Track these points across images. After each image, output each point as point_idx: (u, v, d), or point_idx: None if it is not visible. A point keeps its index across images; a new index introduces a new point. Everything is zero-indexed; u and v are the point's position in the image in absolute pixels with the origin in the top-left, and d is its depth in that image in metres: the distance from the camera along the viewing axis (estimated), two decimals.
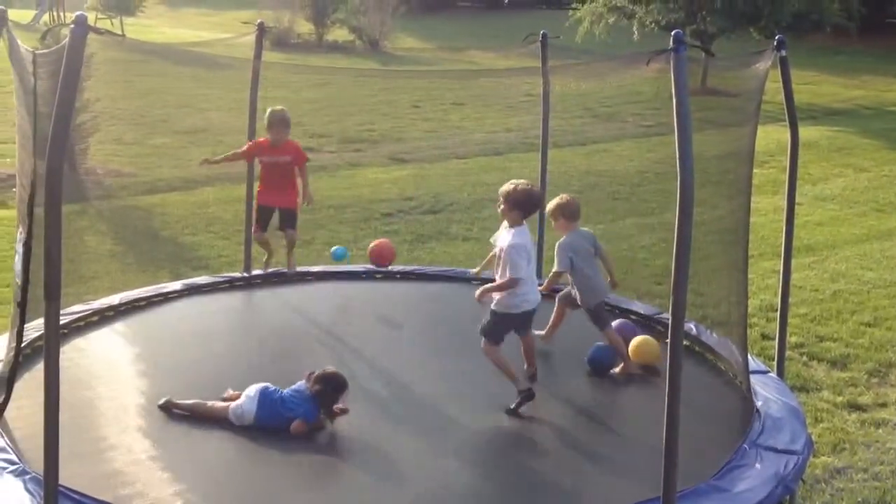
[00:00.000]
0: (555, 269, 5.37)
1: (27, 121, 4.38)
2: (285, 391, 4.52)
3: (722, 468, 4.17)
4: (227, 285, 6.86)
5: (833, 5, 20.89)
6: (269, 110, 6.43)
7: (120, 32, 20.15)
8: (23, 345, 4.58)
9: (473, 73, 16.50)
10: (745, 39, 19.73)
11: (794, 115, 5.29)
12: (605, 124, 17.38)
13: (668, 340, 3.55)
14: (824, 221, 11.07)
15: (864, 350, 7.18)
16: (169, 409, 4.65)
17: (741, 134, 5.23)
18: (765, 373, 5.32)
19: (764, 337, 7.16)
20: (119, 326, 5.96)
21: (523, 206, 4.71)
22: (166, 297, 6.47)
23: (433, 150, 14.66)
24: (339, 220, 10.51)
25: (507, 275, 4.67)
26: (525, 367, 5.09)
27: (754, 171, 5.72)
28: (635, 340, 5.57)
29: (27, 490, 3.82)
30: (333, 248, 7.03)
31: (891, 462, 5.49)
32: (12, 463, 4.02)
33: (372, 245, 6.69)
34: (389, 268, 7.31)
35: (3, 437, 4.25)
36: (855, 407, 6.22)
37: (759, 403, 4.82)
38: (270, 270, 6.79)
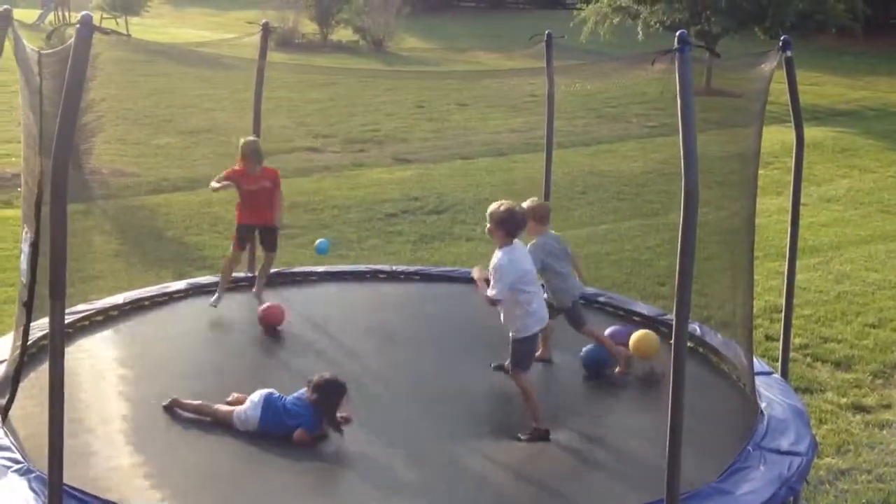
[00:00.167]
0: None
1: (33, 120, 4.39)
2: (288, 398, 4.51)
3: (726, 470, 4.17)
4: (230, 285, 6.87)
5: (838, 6, 20.84)
6: (241, 141, 6.31)
7: (125, 32, 20.19)
8: (28, 344, 4.59)
9: (478, 73, 16.50)
10: (749, 40, 19.70)
11: (799, 116, 5.28)
12: (609, 125, 17.37)
13: (672, 342, 3.54)
14: (829, 222, 11.06)
15: (868, 351, 7.16)
16: (174, 409, 4.65)
17: (746, 135, 5.22)
18: (769, 374, 5.31)
19: (768, 338, 7.15)
20: (123, 326, 5.97)
21: (506, 225, 4.70)
22: (170, 297, 6.48)
23: (437, 151, 14.66)
24: (342, 221, 10.52)
25: (491, 293, 4.65)
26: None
27: (759, 171, 5.71)
28: (636, 334, 5.59)
29: (32, 489, 3.83)
30: (317, 241, 6.91)
31: (895, 464, 5.48)
32: (17, 462, 4.03)
33: (263, 308, 6.10)
34: (394, 268, 7.32)
35: (7, 436, 4.26)
36: (859, 408, 6.21)
37: (763, 405, 4.81)
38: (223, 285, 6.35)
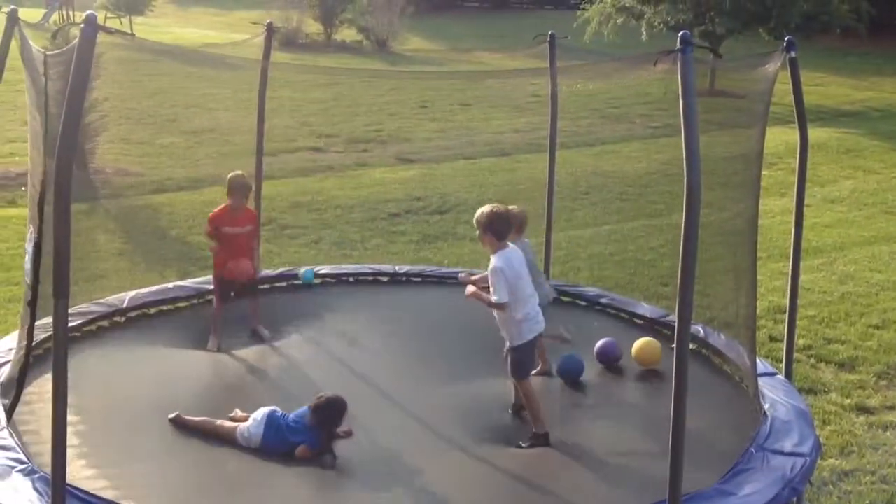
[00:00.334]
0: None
1: (38, 120, 4.40)
2: (290, 416, 4.52)
3: (729, 471, 4.16)
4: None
5: (842, 6, 20.80)
6: (229, 176, 6.11)
7: (129, 32, 20.20)
8: (32, 344, 4.60)
9: (481, 73, 16.49)
10: (753, 41, 19.67)
11: (803, 117, 5.27)
12: (613, 125, 17.35)
13: (675, 343, 3.54)
14: (833, 223, 11.04)
15: (872, 352, 7.15)
16: (178, 425, 4.64)
17: (749, 135, 5.22)
18: (772, 375, 5.31)
19: (771, 339, 7.14)
20: (129, 327, 5.98)
21: (494, 227, 4.70)
22: (174, 298, 6.48)
23: (440, 151, 14.66)
24: (345, 220, 10.53)
25: (494, 299, 4.63)
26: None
27: (762, 172, 5.71)
28: (639, 342, 5.60)
29: (35, 489, 3.84)
30: (302, 271, 6.89)
31: None
32: (21, 462, 4.04)
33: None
34: (396, 269, 7.32)
35: (12, 436, 4.26)
36: (863, 409, 6.20)
37: (766, 406, 4.81)
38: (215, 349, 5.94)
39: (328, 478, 4.33)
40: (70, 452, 3.48)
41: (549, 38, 6.79)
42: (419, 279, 7.21)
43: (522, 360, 4.73)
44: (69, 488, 3.60)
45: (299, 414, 4.52)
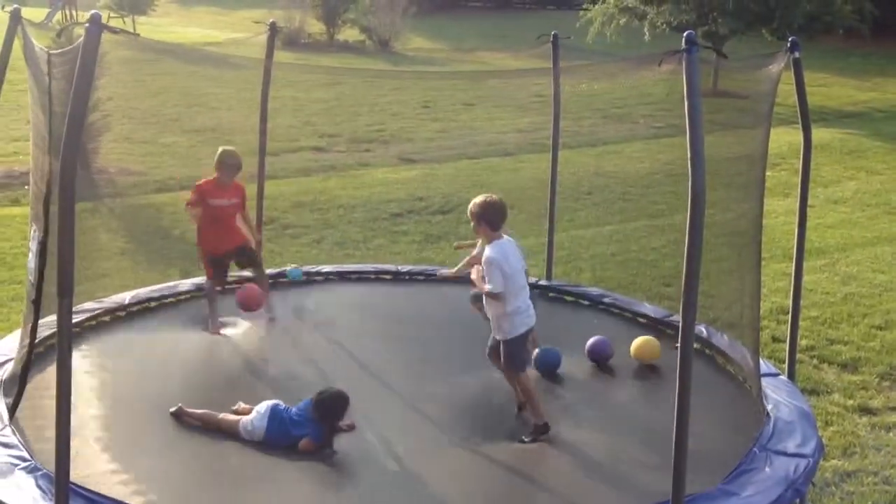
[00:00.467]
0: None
1: (42, 120, 4.40)
2: (293, 409, 4.53)
3: (732, 471, 4.16)
4: (237, 284, 6.88)
5: (846, 7, 20.77)
6: (221, 150, 5.95)
7: (133, 31, 20.20)
8: (35, 342, 4.60)
9: (484, 73, 16.49)
10: (756, 41, 19.65)
11: (807, 118, 5.26)
12: (615, 125, 17.35)
13: (679, 343, 3.54)
14: (836, 224, 11.03)
15: (875, 353, 7.14)
16: (180, 417, 4.65)
17: (753, 136, 5.21)
18: (775, 375, 5.30)
19: (774, 340, 7.14)
20: (131, 325, 5.99)
21: (486, 216, 4.70)
22: (177, 296, 6.49)
23: (443, 151, 14.66)
24: (348, 220, 10.53)
25: (488, 288, 4.64)
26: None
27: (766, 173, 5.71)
28: (637, 340, 5.63)
29: (38, 487, 3.85)
30: (289, 268, 6.81)
31: None
32: (24, 460, 4.04)
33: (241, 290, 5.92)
34: (399, 269, 7.32)
35: (15, 434, 4.27)
36: (866, 410, 6.20)
37: (769, 406, 4.80)
38: (214, 332, 5.88)
39: (331, 471, 4.34)
40: (73, 449, 3.47)
41: (552, 39, 6.79)
42: (422, 278, 7.22)
43: (515, 352, 4.73)
44: (72, 486, 3.60)
45: (302, 407, 4.52)
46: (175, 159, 13.02)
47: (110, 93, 12.48)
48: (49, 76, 4.12)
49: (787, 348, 5.57)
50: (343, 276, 7.20)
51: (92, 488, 3.84)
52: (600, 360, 5.60)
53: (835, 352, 7.14)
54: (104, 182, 11.60)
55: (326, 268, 7.40)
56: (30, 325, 4.50)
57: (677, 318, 3.75)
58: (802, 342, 6.98)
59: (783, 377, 5.34)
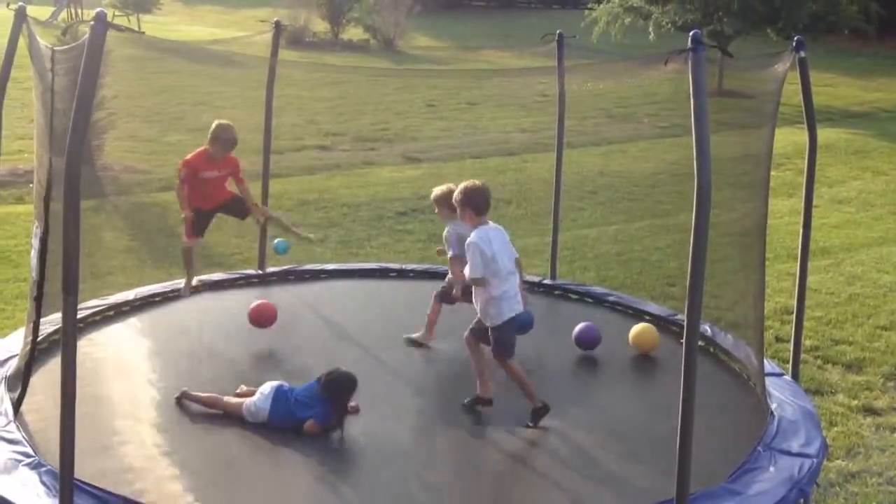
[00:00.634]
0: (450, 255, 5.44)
1: (45, 117, 4.41)
2: (297, 390, 4.52)
3: (736, 470, 4.15)
4: (241, 282, 6.90)
5: (851, 7, 20.74)
6: (216, 124, 5.79)
7: (139, 29, 20.20)
8: (38, 339, 4.61)
9: (488, 72, 16.48)
10: (761, 41, 19.63)
11: (812, 118, 5.25)
12: (620, 125, 17.34)
13: (683, 342, 3.53)
14: (841, 224, 11.01)
15: (879, 354, 7.13)
16: (184, 401, 4.67)
17: (758, 136, 5.20)
18: (779, 375, 5.29)
19: (778, 339, 7.13)
20: (135, 322, 5.99)
21: (469, 203, 4.70)
22: (181, 294, 6.49)
23: (447, 150, 14.67)
24: (352, 219, 10.54)
25: (468, 273, 4.65)
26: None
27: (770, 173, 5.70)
28: (636, 328, 5.66)
29: (42, 483, 3.85)
30: (275, 241, 6.60)
31: None
32: (28, 456, 4.05)
33: (254, 305, 5.80)
34: (403, 267, 7.32)
35: (19, 430, 4.28)
36: (870, 411, 6.19)
37: (773, 406, 4.79)
38: (193, 290, 6.03)
39: (335, 453, 4.36)
40: (77, 445, 3.48)
41: (557, 38, 6.78)
42: (427, 276, 7.21)
43: (504, 338, 4.71)
44: (76, 482, 3.61)
45: (307, 388, 4.51)
46: (179, 157, 12.97)
47: (115, 91, 12.50)
48: (52, 72, 4.12)
49: (792, 348, 5.56)
50: (347, 275, 7.20)
51: (96, 484, 3.84)
52: (588, 346, 5.57)
53: (839, 352, 7.12)
54: (108, 180, 11.62)
55: (330, 266, 7.40)
56: (32, 322, 4.51)
57: (682, 317, 3.74)
58: (807, 342, 6.97)
59: (787, 377, 5.33)
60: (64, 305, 3.37)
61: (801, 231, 5.39)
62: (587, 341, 5.61)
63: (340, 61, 21.82)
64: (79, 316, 4.14)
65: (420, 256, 8.88)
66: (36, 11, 5.01)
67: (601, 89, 17.50)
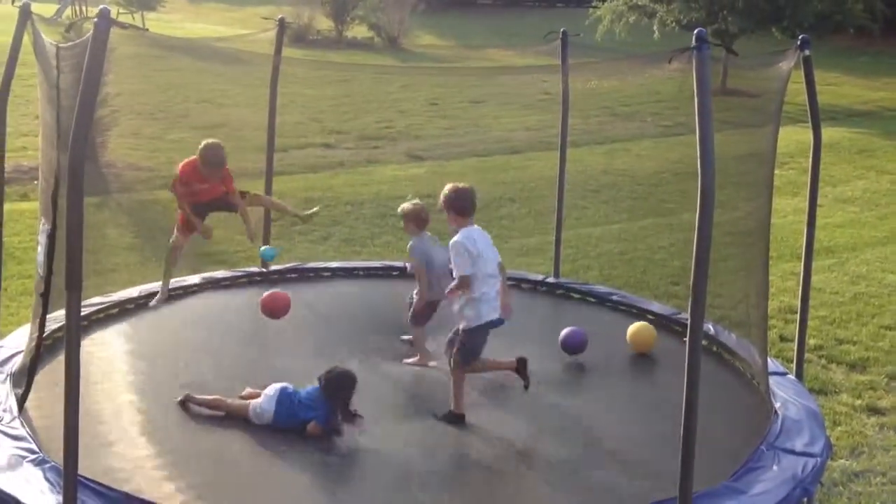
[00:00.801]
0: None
1: (51, 114, 4.41)
2: (301, 392, 4.54)
3: (739, 469, 4.15)
4: (245, 280, 6.90)
5: (856, 6, 20.68)
6: (203, 144, 5.76)
7: (143, 27, 20.27)
8: (44, 335, 4.62)
9: (492, 70, 16.47)
10: (766, 40, 19.59)
11: (817, 116, 5.24)
12: (624, 123, 17.32)
13: (687, 341, 3.53)
14: (845, 223, 10.99)
15: (884, 353, 7.12)
16: (188, 404, 4.67)
17: (762, 135, 5.20)
18: (783, 374, 5.29)
19: (782, 339, 7.12)
20: (138, 319, 6.00)
21: (453, 206, 4.74)
22: (185, 291, 6.50)
23: (451, 148, 14.66)
24: (355, 217, 10.54)
25: (457, 273, 4.65)
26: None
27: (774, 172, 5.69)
28: (633, 326, 5.66)
29: (47, 479, 3.86)
30: (262, 248, 6.52)
31: None
32: (33, 452, 4.06)
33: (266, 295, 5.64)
34: (406, 265, 7.32)
35: (24, 426, 4.29)
36: (874, 410, 6.18)
37: (777, 405, 4.79)
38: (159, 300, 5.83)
39: (337, 455, 4.36)
40: (81, 442, 3.49)
41: (561, 36, 6.77)
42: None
43: (472, 344, 4.69)
44: (80, 478, 3.61)
45: (310, 391, 4.53)
46: (183, 155, 12.95)
47: (119, 88, 12.52)
48: (58, 69, 4.13)
49: (796, 347, 5.55)
50: (350, 273, 7.20)
51: (100, 481, 3.85)
52: (574, 350, 5.54)
53: (843, 351, 7.11)
54: (112, 177, 11.63)
55: (334, 264, 7.41)
56: (38, 318, 4.52)
57: (685, 316, 3.74)
58: (811, 342, 6.96)
59: (791, 376, 5.32)
60: (67, 302, 3.37)
61: (805, 230, 5.38)
62: (573, 346, 5.56)
63: (344, 59, 21.81)
64: (83, 313, 4.14)
65: None
66: (40, 8, 5.01)
67: (605, 88, 17.47)
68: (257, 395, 4.59)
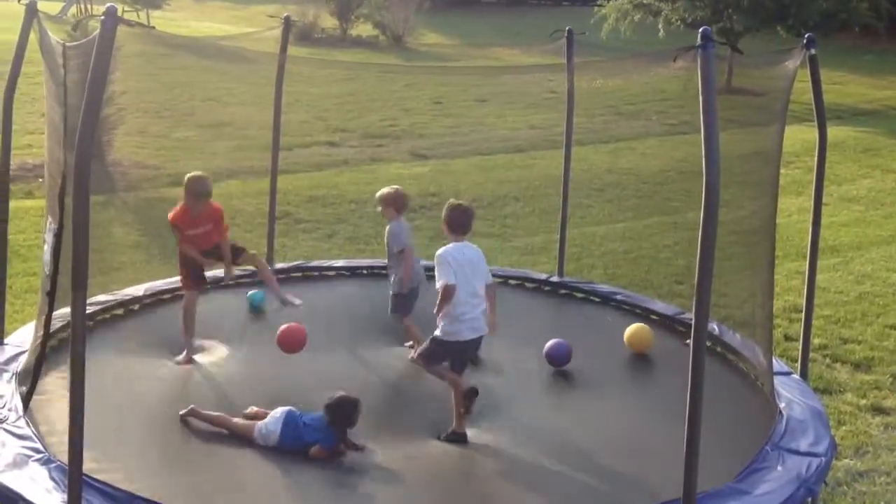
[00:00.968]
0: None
1: (57, 112, 4.42)
2: (307, 416, 4.53)
3: (744, 469, 4.15)
4: (249, 278, 6.90)
5: (862, 4, 20.63)
6: (187, 177, 5.63)
7: (149, 25, 20.18)
8: (49, 334, 4.63)
9: (497, 69, 16.47)
10: (771, 38, 19.55)
11: (822, 115, 5.23)
12: (628, 122, 17.29)
13: (691, 340, 3.53)
14: (850, 222, 10.96)
15: (888, 353, 7.10)
16: (191, 419, 4.60)
17: (767, 133, 5.19)
18: (788, 374, 5.28)
19: (787, 338, 7.10)
20: (144, 319, 6.01)
21: (446, 220, 4.83)
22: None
23: (455, 147, 14.66)
24: (359, 215, 10.54)
25: (438, 285, 4.61)
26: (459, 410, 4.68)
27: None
28: (631, 328, 5.68)
29: (52, 478, 3.87)
30: (250, 293, 6.38)
31: None
32: (38, 451, 4.07)
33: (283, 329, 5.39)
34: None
35: (29, 425, 4.30)
36: (878, 410, 6.16)
37: (782, 405, 4.78)
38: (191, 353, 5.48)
39: (340, 477, 4.33)
40: (86, 442, 3.49)
41: (566, 34, 6.76)
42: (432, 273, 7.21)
43: (438, 352, 4.69)
44: (85, 478, 3.62)
45: (315, 416, 4.54)
46: (189, 153, 13.06)
47: (125, 86, 12.53)
48: (64, 69, 4.14)
49: (800, 347, 5.54)
50: (355, 271, 7.20)
51: (105, 480, 3.86)
52: (558, 363, 5.49)
53: (848, 351, 7.10)
54: (118, 175, 11.65)
55: (338, 262, 7.41)
56: (44, 316, 4.53)
57: (689, 315, 3.74)
58: (815, 341, 6.95)
59: (796, 376, 5.32)
60: (73, 301, 3.38)
61: (810, 229, 5.37)
62: (557, 358, 5.51)
63: (349, 58, 21.82)
64: (89, 312, 4.16)
65: (427, 253, 8.87)
66: (45, 6, 5.01)
67: (610, 86, 17.45)
68: (262, 415, 4.58)
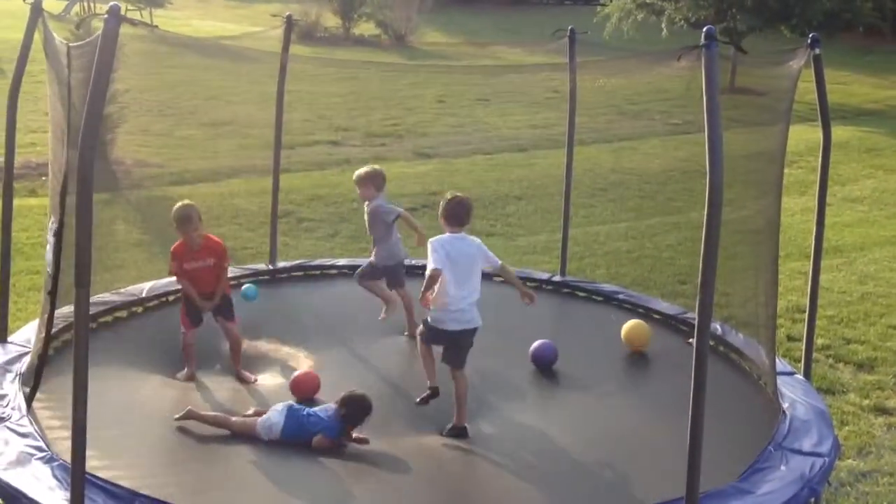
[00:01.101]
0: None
1: (61, 111, 4.42)
2: (310, 409, 4.53)
3: (747, 469, 4.14)
4: (251, 277, 6.91)
5: (866, 4, 20.61)
6: (174, 207, 5.47)
7: (152, 23, 20.18)
8: (52, 333, 4.63)
9: (500, 68, 16.45)
10: (774, 38, 19.53)
11: (826, 115, 5.22)
12: (631, 121, 17.28)
13: (694, 340, 3.52)
14: (853, 223, 10.95)
15: (891, 353, 7.09)
16: (189, 420, 4.54)
17: (771, 133, 5.18)
18: (791, 374, 5.27)
19: (790, 338, 7.10)
20: (147, 317, 6.01)
21: (443, 213, 4.84)
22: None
23: (458, 146, 14.66)
24: (362, 214, 10.50)
25: (428, 271, 4.67)
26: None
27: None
28: (628, 324, 5.68)
29: (55, 477, 3.87)
30: (244, 287, 6.27)
31: None
32: (41, 450, 4.07)
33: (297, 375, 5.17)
34: (413, 262, 7.32)
35: (32, 424, 4.30)
36: (882, 410, 6.16)
37: (785, 405, 4.77)
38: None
39: (344, 468, 4.33)
40: (89, 440, 3.50)
41: (568, 34, 6.75)
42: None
43: (429, 335, 4.77)
44: (88, 476, 3.62)
45: (318, 409, 4.53)
46: (191, 152, 13.07)
47: (128, 85, 12.53)
48: (68, 68, 4.14)
49: (804, 347, 5.53)
50: (357, 271, 7.19)
51: (108, 479, 3.86)
52: (543, 364, 5.46)
53: (851, 351, 7.09)
54: (121, 173, 11.66)
55: (341, 261, 7.41)
56: (46, 315, 4.53)
57: (692, 315, 3.73)
58: (819, 341, 6.94)
59: (799, 376, 5.31)
60: (76, 299, 3.38)
61: (814, 229, 5.36)
62: (542, 359, 5.48)
63: (352, 56, 21.82)
64: (91, 311, 4.15)
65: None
66: (49, 5, 5.01)
67: (613, 86, 17.45)
68: (261, 415, 4.54)
